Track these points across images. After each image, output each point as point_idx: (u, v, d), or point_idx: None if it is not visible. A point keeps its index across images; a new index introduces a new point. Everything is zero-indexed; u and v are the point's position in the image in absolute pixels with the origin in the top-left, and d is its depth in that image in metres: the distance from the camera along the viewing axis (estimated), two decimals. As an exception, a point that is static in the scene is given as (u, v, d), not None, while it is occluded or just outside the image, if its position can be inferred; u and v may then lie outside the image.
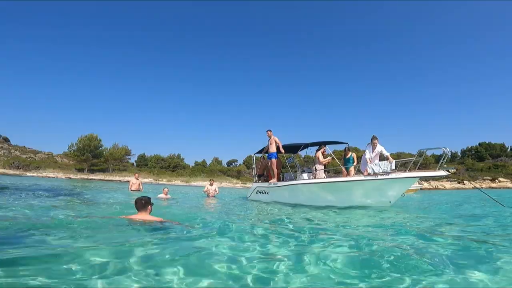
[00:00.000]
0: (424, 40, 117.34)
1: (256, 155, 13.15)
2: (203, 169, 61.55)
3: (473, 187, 43.31)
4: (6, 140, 62.62)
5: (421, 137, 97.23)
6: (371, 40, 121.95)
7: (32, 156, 56.67)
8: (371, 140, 8.98)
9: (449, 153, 7.33)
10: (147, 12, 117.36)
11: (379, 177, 7.69)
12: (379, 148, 8.83)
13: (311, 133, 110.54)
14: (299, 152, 13.41)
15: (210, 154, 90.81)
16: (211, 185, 13.02)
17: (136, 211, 4.03)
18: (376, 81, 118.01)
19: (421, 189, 31.31)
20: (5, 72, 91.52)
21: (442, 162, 7.24)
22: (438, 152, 59.52)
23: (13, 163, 46.88)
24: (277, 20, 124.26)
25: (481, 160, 58.43)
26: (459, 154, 66.02)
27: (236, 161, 71.02)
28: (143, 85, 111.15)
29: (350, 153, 10.28)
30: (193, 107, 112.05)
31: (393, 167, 7.64)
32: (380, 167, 7.68)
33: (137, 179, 13.87)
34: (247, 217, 5.95)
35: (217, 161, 70.01)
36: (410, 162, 8.22)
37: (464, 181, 43.83)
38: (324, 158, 10.35)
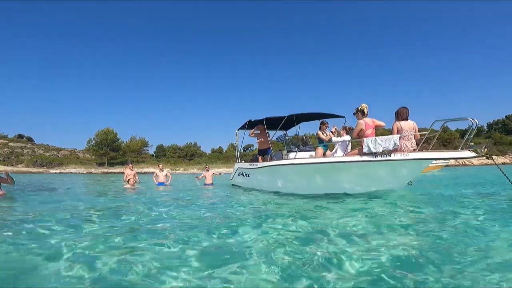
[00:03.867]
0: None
1: (239, 131, 11.36)
2: (219, 156, 61.77)
3: (502, 163, 41.02)
4: (29, 139, 65.13)
5: (443, 110, 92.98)
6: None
7: (55, 153, 58.75)
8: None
9: (476, 127, 5.09)
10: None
11: (379, 157, 5.47)
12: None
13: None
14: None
15: (226, 140, 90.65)
16: (207, 171, 12.58)
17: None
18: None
19: (446, 165, 29.60)
20: (27, 78, 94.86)
21: (468, 139, 5.26)
22: (463, 125, 56.09)
23: (37, 161, 48.67)
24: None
25: (509, 133, 55.18)
26: (485, 128, 62.64)
27: (252, 146, 70.76)
28: (157, 77, 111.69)
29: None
30: (207, 92, 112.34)
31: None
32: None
33: (162, 170, 12.47)
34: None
35: (233, 147, 69.94)
36: (423, 137, 5.87)
37: (493, 156, 41.45)
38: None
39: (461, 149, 5.23)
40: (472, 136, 5.23)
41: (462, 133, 63.01)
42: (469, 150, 5.18)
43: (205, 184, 12.06)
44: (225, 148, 69.46)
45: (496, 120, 61.13)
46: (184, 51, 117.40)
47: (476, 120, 5.00)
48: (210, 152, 68.66)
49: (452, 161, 40.15)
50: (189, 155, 64.18)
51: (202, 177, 12.54)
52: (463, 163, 39.23)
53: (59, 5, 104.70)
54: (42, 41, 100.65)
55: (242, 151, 64.65)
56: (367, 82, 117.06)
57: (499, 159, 41.66)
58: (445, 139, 53.70)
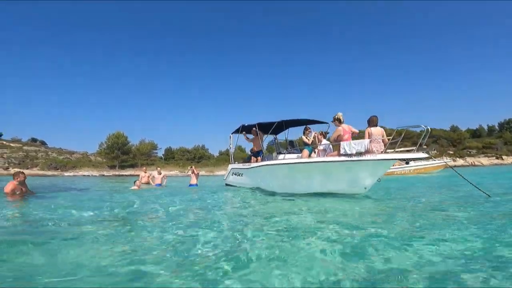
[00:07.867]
0: None
1: (233, 134, 12.42)
2: (227, 158, 62.30)
3: (511, 163, 40.41)
4: (43, 143, 66.97)
5: (451, 111, 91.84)
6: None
7: (68, 156, 60.18)
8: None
9: (428, 132, 5.94)
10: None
11: (354, 158, 6.46)
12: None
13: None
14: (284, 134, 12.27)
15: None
16: (192, 172, 13.32)
17: None
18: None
19: (454, 166, 29.54)
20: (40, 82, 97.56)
21: (423, 143, 6.09)
22: (473, 125, 55.33)
23: (51, 164, 50.05)
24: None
25: (521, 132, 54.32)
26: (497, 127, 61.74)
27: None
28: (165, 80, 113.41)
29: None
30: (213, 94, 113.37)
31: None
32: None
33: (160, 173, 14.09)
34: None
35: (240, 149, 70.41)
36: (397, 142, 6.69)
37: (503, 156, 40.94)
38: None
39: (416, 151, 6.26)
40: (425, 140, 6.11)
41: (473, 132, 62.31)
42: (422, 152, 6.24)
43: (190, 185, 12.91)
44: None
45: (507, 119, 60.17)
46: (186, 51, 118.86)
47: (428, 127, 5.91)
48: (218, 154, 69.36)
49: (461, 162, 39.82)
50: (197, 157, 64.95)
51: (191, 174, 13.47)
52: (473, 163, 38.89)
53: (60, 5, 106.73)
54: (45, 42, 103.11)
55: (250, 152, 64.81)
56: (368, 81, 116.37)
57: (510, 159, 41.11)
58: (455, 139, 53.33)
